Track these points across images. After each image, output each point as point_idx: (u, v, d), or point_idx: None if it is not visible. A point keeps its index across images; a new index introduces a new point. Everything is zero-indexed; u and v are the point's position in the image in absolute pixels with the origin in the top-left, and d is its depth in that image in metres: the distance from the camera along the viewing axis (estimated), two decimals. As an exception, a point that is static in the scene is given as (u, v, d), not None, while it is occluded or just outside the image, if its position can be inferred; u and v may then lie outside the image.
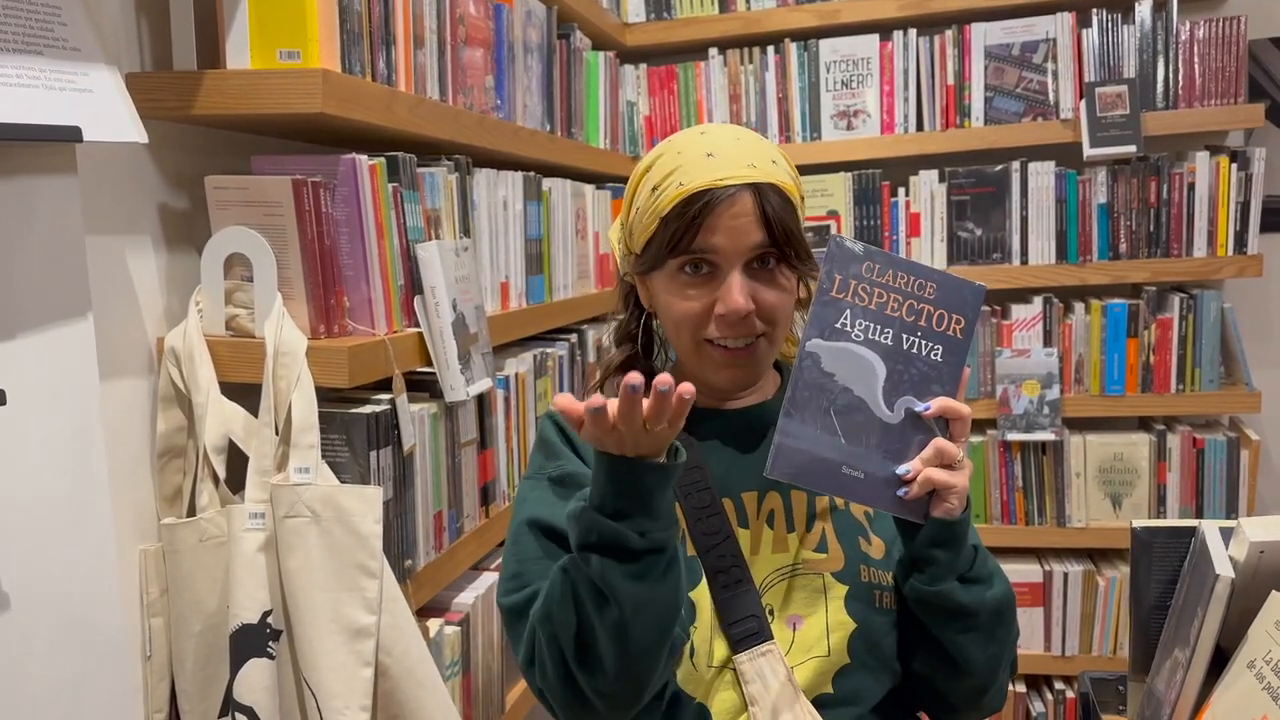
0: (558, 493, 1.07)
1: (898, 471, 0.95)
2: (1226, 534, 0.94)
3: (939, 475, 0.95)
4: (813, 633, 1.04)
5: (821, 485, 0.95)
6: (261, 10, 1.22)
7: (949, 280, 0.97)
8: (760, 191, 1.01)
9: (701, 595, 1.03)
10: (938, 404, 0.96)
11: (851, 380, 0.95)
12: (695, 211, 1.00)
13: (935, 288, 0.97)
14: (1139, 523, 1.03)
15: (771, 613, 1.04)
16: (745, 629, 1.01)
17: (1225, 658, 0.90)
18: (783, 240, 1.02)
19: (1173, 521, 1.01)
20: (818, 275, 1.01)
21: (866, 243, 0.99)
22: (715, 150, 1.03)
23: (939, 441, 0.95)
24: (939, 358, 0.96)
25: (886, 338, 0.96)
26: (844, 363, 0.95)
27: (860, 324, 0.95)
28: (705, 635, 1.02)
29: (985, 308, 2.49)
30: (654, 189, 1.04)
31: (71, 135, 1.03)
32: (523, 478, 1.13)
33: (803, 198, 1.09)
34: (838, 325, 0.95)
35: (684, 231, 1.01)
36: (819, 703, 1.02)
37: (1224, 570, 0.89)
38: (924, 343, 0.96)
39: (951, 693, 1.06)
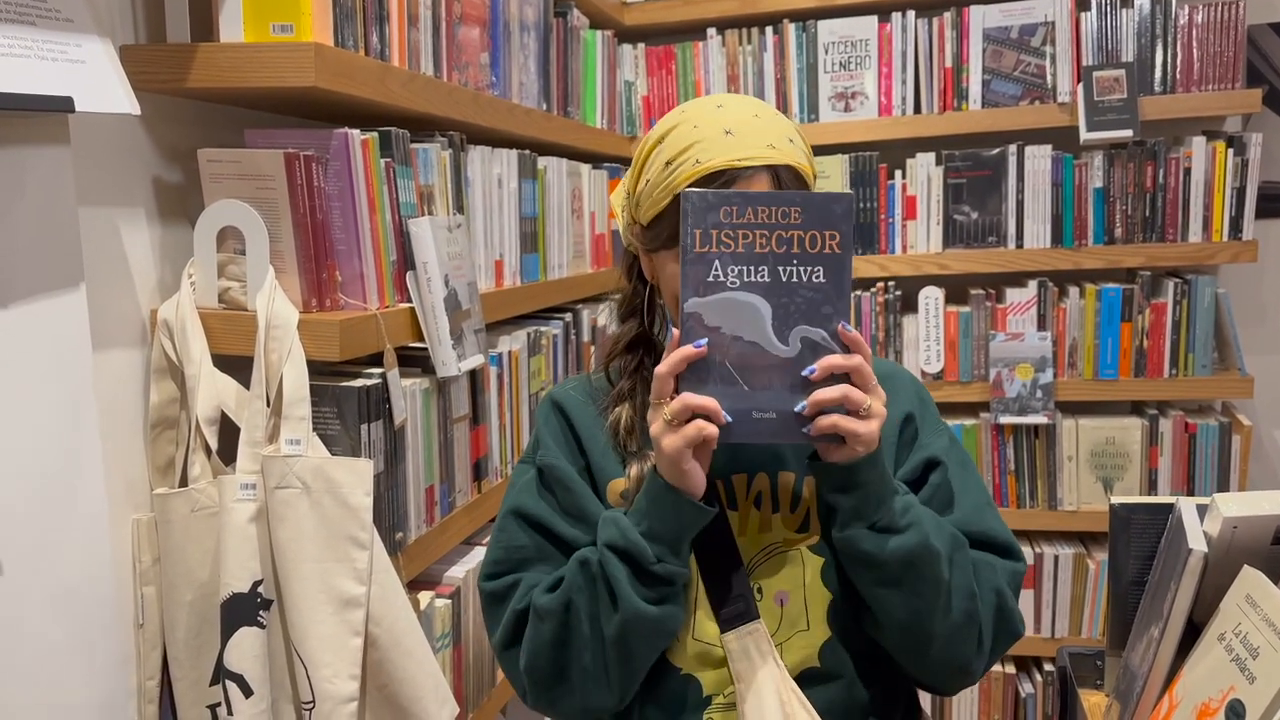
0: (542, 482, 1.10)
1: (795, 410, 0.93)
2: (1203, 511, 0.95)
3: (844, 423, 0.93)
4: (795, 608, 1.05)
5: (739, 436, 0.94)
6: (255, -16, 1.22)
7: (813, 199, 0.95)
8: (778, 174, 1.00)
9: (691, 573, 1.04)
10: (824, 364, 0.94)
11: (739, 328, 0.94)
12: None
13: (800, 211, 0.94)
14: (1117, 499, 1.04)
15: (760, 591, 1.04)
16: (733, 610, 1.02)
17: (1199, 632, 0.92)
18: None
19: (1151, 499, 1.02)
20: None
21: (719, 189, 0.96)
22: (734, 128, 1.01)
23: (846, 388, 0.93)
24: (821, 279, 0.94)
25: (763, 275, 0.94)
26: (727, 313, 0.94)
27: (733, 270, 0.94)
28: (693, 613, 1.04)
29: (979, 291, 2.49)
30: (668, 163, 1.02)
31: (64, 105, 1.04)
32: (519, 459, 1.15)
33: (815, 176, 1.07)
34: (710, 279, 0.94)
35: None
36: (808, 676, 1.04)
37: (1197, 545, 0.90)
38: (802, 269, 0.94)
39: (899, 654, 1.04)
